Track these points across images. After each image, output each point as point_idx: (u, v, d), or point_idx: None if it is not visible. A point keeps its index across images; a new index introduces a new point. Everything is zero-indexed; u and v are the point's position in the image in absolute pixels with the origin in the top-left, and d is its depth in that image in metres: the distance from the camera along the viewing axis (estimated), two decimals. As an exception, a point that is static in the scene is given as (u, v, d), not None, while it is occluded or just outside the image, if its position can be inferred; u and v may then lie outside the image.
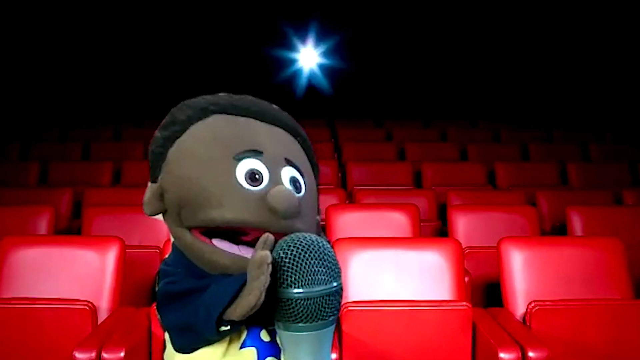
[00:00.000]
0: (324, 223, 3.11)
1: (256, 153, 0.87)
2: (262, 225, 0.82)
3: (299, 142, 0.97)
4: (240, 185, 0.84)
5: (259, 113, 0.93)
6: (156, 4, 7.51)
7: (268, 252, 0.76)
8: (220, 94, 0.94)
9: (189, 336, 0.85)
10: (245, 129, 0.90)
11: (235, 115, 0.92)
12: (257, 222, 0.82)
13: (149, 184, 0.92)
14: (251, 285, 0.75)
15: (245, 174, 0.85)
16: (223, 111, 0.91)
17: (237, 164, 0.85)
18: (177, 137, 0.90)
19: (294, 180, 0.89)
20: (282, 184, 0.87)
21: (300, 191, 0.89)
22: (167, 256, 0.94)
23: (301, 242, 0.79)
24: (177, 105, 0.93)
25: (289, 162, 0.90)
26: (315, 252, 0.78)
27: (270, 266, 0.75)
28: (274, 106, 0.97)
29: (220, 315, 0.79)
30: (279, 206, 0.82)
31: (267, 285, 0.75)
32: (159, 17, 7.53)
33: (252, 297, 0.75)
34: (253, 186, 0.84)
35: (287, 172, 0.89)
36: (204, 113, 0.91)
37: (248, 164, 0.86)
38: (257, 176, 0.85)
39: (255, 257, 0.76)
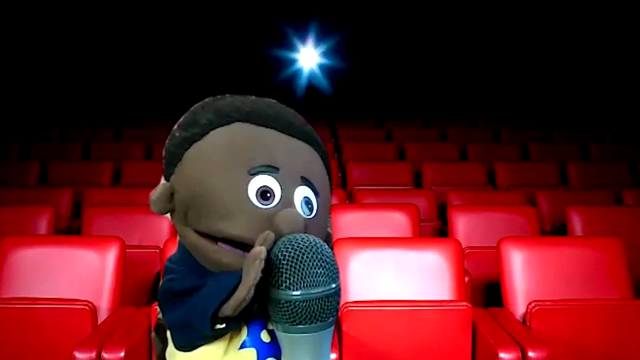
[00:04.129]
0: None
1: (272, 169, 0.86)
2: None
3: (319, 155, 0.96)
4: (251, 201, 0.84)
5: (283, 125, 0.92)
6: (156, 4, 7.51)
7: (263, 248, 0.76)
8: (247, 98, 0.93)
9: (188, 333, 0.85)
10: (265, 142, 0.89)
11: (258, 125, 0.91)
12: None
13: (162, 181, 0.92)
14: (243, 279, 0.76)
15: (257, 191, 0.84)
16: (246, 120, 0.90)
17: (251, 179, 0.85)
18: (196, 140, 0.88)
19: (306, 201, 0.88)
20: (294, 204, 0.86)
21: (312, 212, 0.89)
22: (173, 253, 0.95)
23: (299, 243, 0.79)
24: (200, 104, 0.92)
25: (305, 181, 0.89)
26: (314, 254, 0.78)
27: (263, 261, 0.75)
28: (299, 117, 0.96)
29: (216, 312, 0.79)
30: (284, 230, 0.82)
31: (257, 279, 0.75)
32: (159, 17, 7.53)
33: (242, 290, 0.76)
34: (263, 204, 0.84)
35: (301, 192, 0.88)
36: (226, 120, 0.90)
37: (261, 180, 0.85)
38: (268, 194, 0.84)
39: (251, 252, 0.77)
